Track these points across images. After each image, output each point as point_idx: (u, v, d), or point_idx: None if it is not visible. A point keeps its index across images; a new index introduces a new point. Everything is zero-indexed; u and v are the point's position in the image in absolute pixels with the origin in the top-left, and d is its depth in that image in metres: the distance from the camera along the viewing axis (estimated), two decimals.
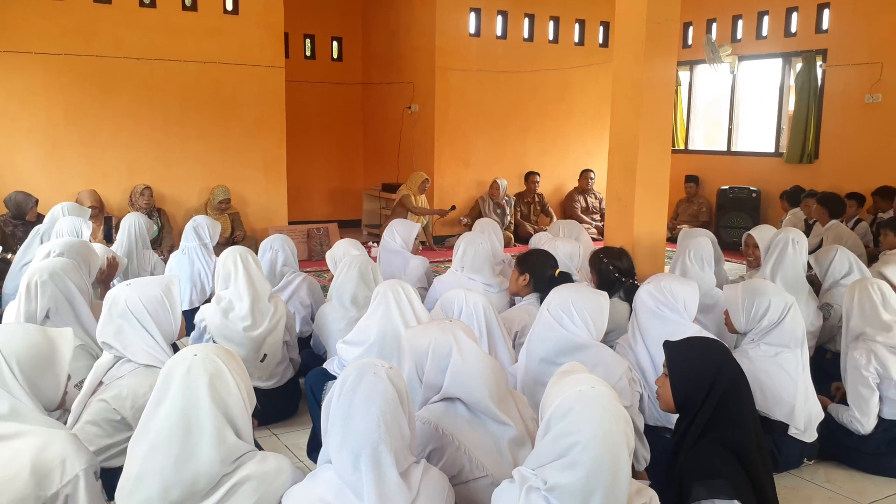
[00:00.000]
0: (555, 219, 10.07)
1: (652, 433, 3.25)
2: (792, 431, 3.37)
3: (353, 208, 11.08)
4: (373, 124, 11.16)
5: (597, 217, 10.45)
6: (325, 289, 5.08)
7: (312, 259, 8.38)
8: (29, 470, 1.98)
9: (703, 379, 2.40)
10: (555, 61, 10.38)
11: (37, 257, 4.15)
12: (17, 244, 6.05)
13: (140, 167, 7.96)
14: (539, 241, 5.42)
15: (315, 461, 3.39)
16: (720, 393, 2.36)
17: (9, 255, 6.06)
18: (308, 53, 10.84)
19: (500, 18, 9.96)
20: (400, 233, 5.46)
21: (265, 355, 3.88)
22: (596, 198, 10.60)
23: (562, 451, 1.82)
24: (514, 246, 9.11)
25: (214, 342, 3.71)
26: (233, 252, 3.97)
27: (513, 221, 9.99)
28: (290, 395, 4.14)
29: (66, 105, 7.59)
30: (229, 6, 8.20)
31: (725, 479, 2.20)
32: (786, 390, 3.36)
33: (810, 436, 3.42)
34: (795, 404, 3.36)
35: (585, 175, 10.53)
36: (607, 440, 1.80)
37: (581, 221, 9.85)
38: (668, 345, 2.57)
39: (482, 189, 9.92)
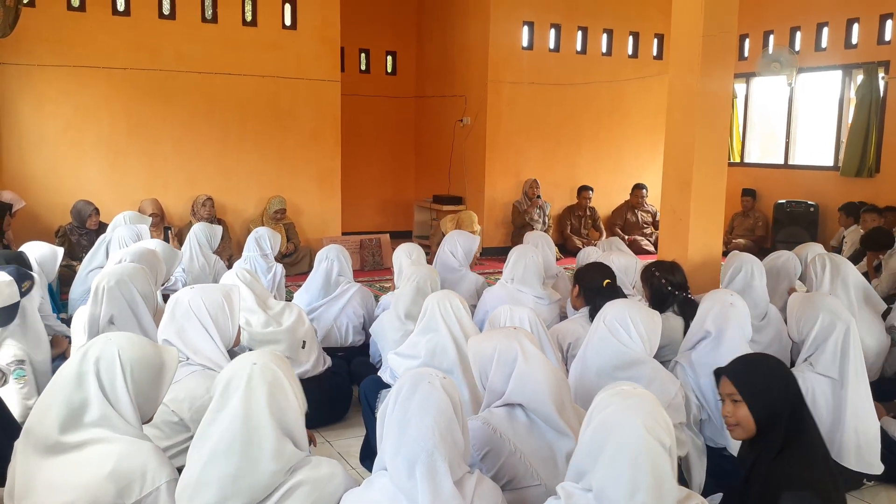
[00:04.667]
0: (604, 234, 10.00)
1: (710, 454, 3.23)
2: (851, 465, 3.28)
3: (404, 219, 11.18)
4: (425, 137, 11.25)
5: (647, 231, 10.32)
6: (377, 299, 5.14)
7: (364, 269, 8.46)
8: (107, 476, 2.02)
9: (783, 394, 2.39)
10: (608, 74, 10.34)
11: (109, 264, 4.32)
12: (83, 252, 6.28)
13: (200, 178, 8.17)
14: (587, 255, 5.40)
15: (367, 468, 3.43)
16: (795, 404, 2.38)
17: (74, 263, 6.29)
18: (363, 67, 10.99)
19: (553, 31, 9.96)
20: (463, 245, 5.46)
21: (304, 342, 3.98)
22: (647, 212, 10.46)
23: (602, 440, 1.84)
24: (559, 259, 9.03)
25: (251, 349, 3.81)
26: (230, 275, 4.06)
27: (552, 226, 9.94)
28: (338, 393, 4.18)
29: (130, 118, 7.84)
30: (288, 21, 8.38)
31: (812, 491, 2.19)
32: (831, 421, 3.30)
33: (877, 468, 3.32)
34: (838, 435, 3.29)
35: (637, 192, 10.39)
36: (646, 429, 1.81)
37: (621, 238, 9.74)
38: (732, 372, 2.50)
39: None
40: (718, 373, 2.55)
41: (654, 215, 10.39)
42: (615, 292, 3.95)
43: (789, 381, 2.44)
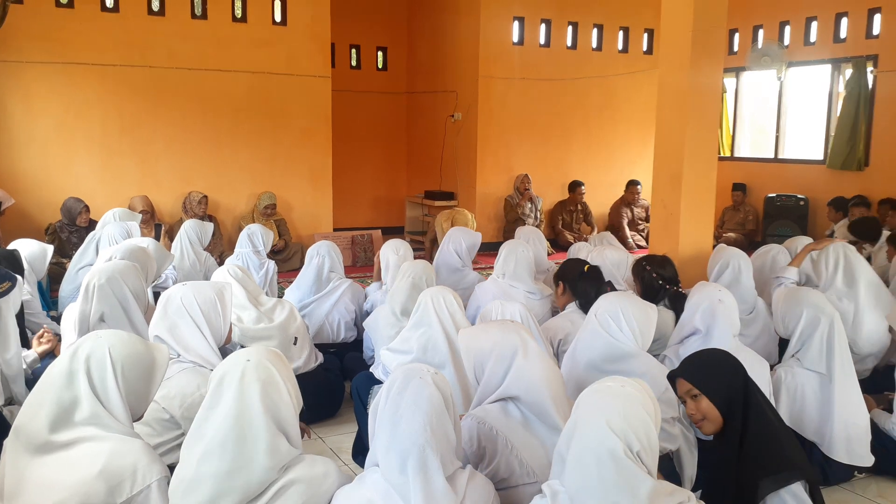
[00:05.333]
0: (595, 228, 10.01)
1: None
2: (841, 459, 3.31)
3: (396, 215, 11.17)
4: (416, 133, 11.24)
5: (641, 227, 10.32)
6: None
7: (356, 265, 8.46)
8: (98, 474, 2.01)
9: (734, 378, 2.48)
10: (598, 69, 10.34)
11: (99, 261, 4.30)
12: (73, 250, 6.25)
13: (191, 175, 8.14)
14: (577, 250, 5.41)
15: (360, 464, 3.44)
16: (746, 388, 2.47)
17: (64, 261, 6.26)
18: (354, 63, 10.96)
19: (543, 27, 9.95)
20: (467, 243, 5.43)
21: (296, 338, 3.98)
22: (642, 207, 10.46)
23: (569, 436, 1.87)
24: (551, 254, 9.04)
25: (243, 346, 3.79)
26: (222, 272, 4.04)
27: (544, 220, 9.96)
28: (330, 389, 4.18)
29: (121, 115, 7.80)
30: (278, 17, 8.35)
31: (789, 471, 2.28)
32: (820, 415, 3.33)
33: (867, 460, 3.34)
34: (828, 430, 3.31)
35: (632, 188, 10.34)
36: (610, 427, 1.81)
37: (625, 234, 9.76)
38: (684, 370, 2.58)
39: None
40: (671, 377, 2.63)
41: (647, 210, 10.40)
42: (598, 275, 3.99)
43: (737, 366, 2.53)
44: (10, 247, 4.57)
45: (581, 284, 3.95)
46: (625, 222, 10.23)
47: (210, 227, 6.00)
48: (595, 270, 4.04)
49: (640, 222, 10.39)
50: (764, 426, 2.41)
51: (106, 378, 2.14)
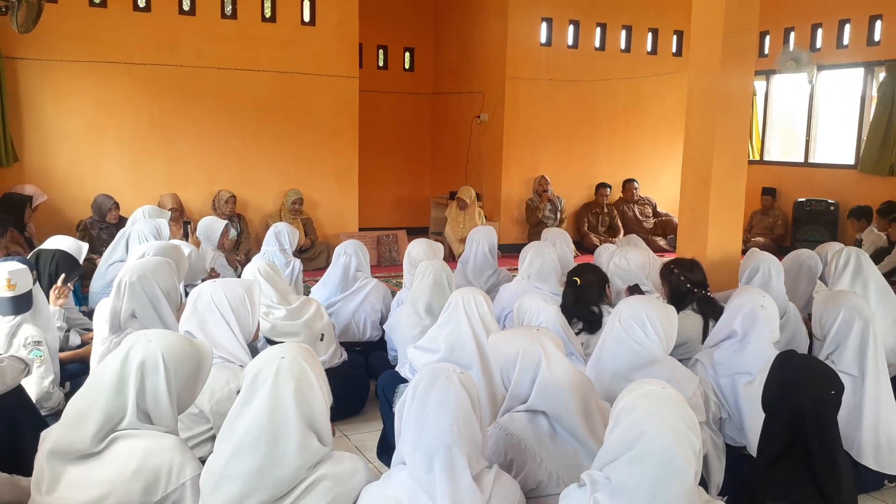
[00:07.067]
0: (622, 231, 9.95)
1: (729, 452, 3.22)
2: (869, 464, 3.26)
3: (420, 215, 11.17)
4: (442, 133, 11.25)
5: (649, 225, 10.18)
6: (393, 294, 5.15)
7: (381, 265, 8.49)
8: (134, 472, 2.04)
9: (780, 388, 2.43)
10: (626, 71, 10.28)
11: (131, 258, 4.38)
12: (103, 246, 6.33)
13: (218, 174, 8.22)
14: (600, 254, 5.38)
15: (385, 462, 3.45)
16: (800, 408, 2.37)
17: (95, 257, 6.35)
18: (381, 64, 11.00)
19: (571, 28, 9.92)
20: (496, 241, 5.47)
21: (322, 335, 4.02)
22: (645, 204, 10.35)
23: (629, 442, 1.83)
24: (576, 256, 8.97)
25: (272, 342, 3.81)
26: (252, 267, 4.10)
27: (566, 221, 9.90)
28: (355, 386, 4.20)
29: (151, 113, 7.90)
30: (306, 18, 8.41)
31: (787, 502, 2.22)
32: (850, 419, 3.27)
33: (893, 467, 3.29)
34: (857, 433, 3.27)
35: (629, 185, 10.28)
36: (675, 434, 1.80)
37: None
38: (786, 355, 2.61)
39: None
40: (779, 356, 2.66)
41: (653, 207, 10.33)
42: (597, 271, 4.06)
43: (798, 383, 2.45)
44: (47, 243, 4.67)
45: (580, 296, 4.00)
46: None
47: (220, 225, 6.02)
48: (585, 268, 4.10)
49: (645, 219, 10.30)
50: (802, 457, 2.34)
51: (158, 384, 2.16)
